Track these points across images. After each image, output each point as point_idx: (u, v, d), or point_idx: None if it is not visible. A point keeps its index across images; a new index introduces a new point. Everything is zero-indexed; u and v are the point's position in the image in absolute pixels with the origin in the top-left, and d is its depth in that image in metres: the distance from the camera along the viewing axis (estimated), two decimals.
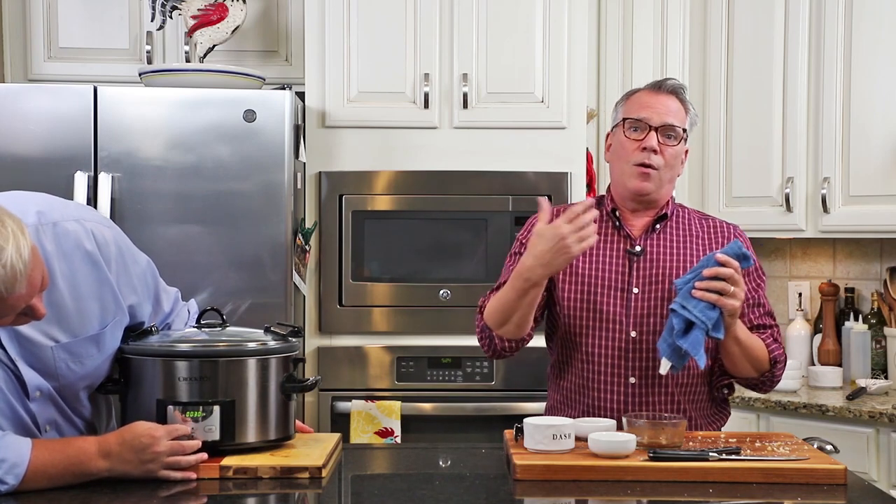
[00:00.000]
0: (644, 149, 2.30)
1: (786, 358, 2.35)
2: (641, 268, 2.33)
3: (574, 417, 2.31)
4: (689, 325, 2.10)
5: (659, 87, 2.37)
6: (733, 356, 2.25)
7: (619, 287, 2.32)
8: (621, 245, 2.36)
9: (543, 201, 2.20)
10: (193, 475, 1.90)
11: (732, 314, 2.12)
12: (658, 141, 2.30)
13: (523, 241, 2.45)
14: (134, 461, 1.87)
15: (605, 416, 2.30)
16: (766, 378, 2.31)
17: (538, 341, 2.48)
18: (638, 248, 2.34)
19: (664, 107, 2.33)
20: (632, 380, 2.31)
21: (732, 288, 2.09)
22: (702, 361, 2.11)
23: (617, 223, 2.38)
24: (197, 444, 1.93)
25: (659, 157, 2.31)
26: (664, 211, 2.38)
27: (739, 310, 2.14)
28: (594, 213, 2.15)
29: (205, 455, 1.93)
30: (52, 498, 1.80)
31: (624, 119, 2.36)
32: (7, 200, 1.84)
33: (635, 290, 2.31)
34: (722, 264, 2.10)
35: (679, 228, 2.39)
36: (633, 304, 2.31)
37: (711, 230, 2.41)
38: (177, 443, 1.90)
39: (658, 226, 2.37)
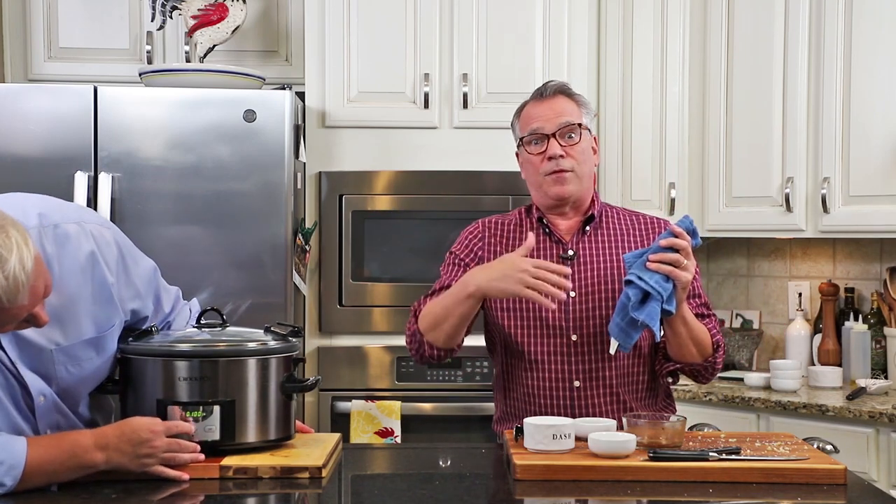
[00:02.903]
0: (550, 158, 2.32)
1: (725, 346, 2.36)
2: (576, 271, 2.33)
3: None
4: (644, 297, 2.12)
5: (542, 93, 2.39)
6: (680, 337, 2.24)
7: None
8: (554, 251, 2.36)
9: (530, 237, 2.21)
10: (186, 476, 1.89)
11: (685, 288, 2.14)
12: (560, 144, 2.32)
13: (457, 252, 2.43)
14: (130, 454, 1.86)
15: None
16: (709, 364, 2.31)
17: None
18: (571, 252, 2.35)
19: (553, 111, 2.34)
20: (576, 383, 2.31)
21: (685, 261, 2.11)
22: (657, 333, 2.14)
23: (547, 230, 2.38)
24: (195, 446, 1.93)
25: (567, 159, 2.32)
26: (591, 212, 2.39)
27: (689, 284, 2.15)
28: (565, 271, 2.14)
29: (201, 455, 1.92)
30: (52, 499, 1.80)
31: (521, 138, 2.39)
32: (7, 202, 1.84)
33: (572, 294, 2.31)
34: (677, 236, 2.12)
35: (609, 228, 2.40)
36: (571, 308, 2.31)
37: (642, 226, 2.42)
38: (175, 441, 1.90)
39: (588, 227, 2.38)
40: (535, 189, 2.39)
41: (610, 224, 2.40)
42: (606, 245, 2.37)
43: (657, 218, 2.46)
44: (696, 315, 2.32)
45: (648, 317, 2.11)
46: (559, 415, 2.30)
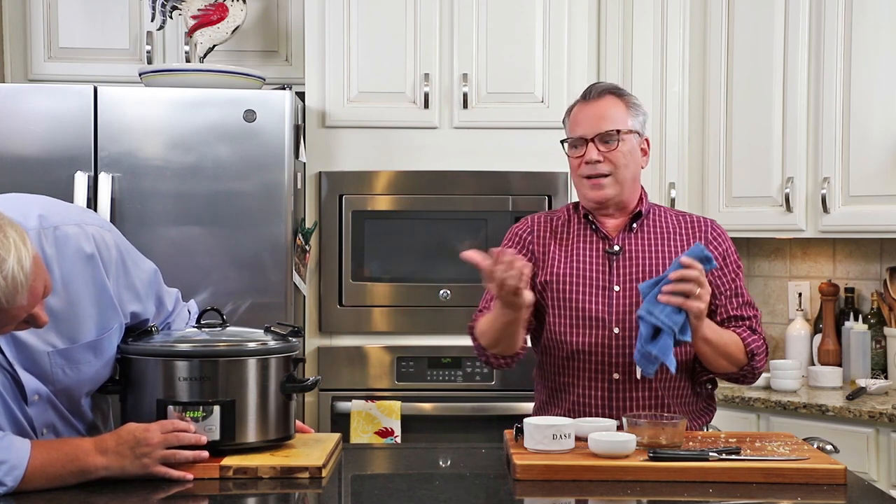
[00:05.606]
0: (587, 162, 2.33)
1: (766, 348, 2.35)
2: (621, 266, 2.36)
3: (561, 416, 2.32)
4: (657, 331, 2.12)
5: (587, 95, 2.40)
6: (705, 356, 2.27)
7: (601, 286, 2.35)
8: (600, 245, 2.39)
9: (469, 255, 2.12)
10: (190, 476, 1.89)
11: (698, 316, 2.14)
12: (598, 149, 2.33)
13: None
14: (129, 456, 1.86)
15: (591, 413, 2.33)
16: (747, 371, 2.33)
17: None
18: (616, 248, 2.37)
19: (595, 115, 2.35)
20: (615, 376, 2.33)
21: (698, 290, 2.11)
22: (672, 366, 2.13)
23: (593, 226, 2.40)
24: (197, 437, 1.92)
25: (604, 164, 2.33)
26: (638, 209, 2.40)
27: (705, 312, 2.16)
28: (508, 254, 2.09)
29: (204, 454, 1.92)
30: (52, 498, 1.80)
31: (562, 142, 2.41)
32: (9, 203, 1.84)
33: (616, 289, 2.34)
34: (686, 267, 2.11)
35: (656, 226, 2.42)
36: (614, 301, 2.33)
37: (688, 225, 2.43)
38: (172, 434, 1.90)
39: (635, 224, 2.40)
40: (577, 190, 2.43)
41: (656, 222, 2.42)
42: (652, 242, 2.38)
43: (703, 218, 2.47)
44: (736, 316, 2.34)
45: (661, 351, 2.11)
46: (598, 406, 2.33)
